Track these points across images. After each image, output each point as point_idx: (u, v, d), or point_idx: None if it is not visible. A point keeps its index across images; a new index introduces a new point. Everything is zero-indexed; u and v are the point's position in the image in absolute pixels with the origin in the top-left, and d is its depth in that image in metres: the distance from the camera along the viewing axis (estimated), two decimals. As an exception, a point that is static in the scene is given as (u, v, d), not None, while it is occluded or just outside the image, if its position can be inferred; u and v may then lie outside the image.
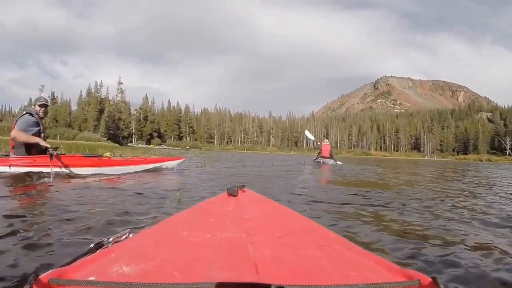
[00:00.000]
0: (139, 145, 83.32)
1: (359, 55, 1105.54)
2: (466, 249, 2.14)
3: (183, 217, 1.25)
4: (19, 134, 5.54)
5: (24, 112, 5.75)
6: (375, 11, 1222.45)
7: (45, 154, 5.69)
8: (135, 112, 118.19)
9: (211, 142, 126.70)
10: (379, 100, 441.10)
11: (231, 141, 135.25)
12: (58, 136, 68.78)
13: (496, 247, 2.21)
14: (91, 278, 0.64)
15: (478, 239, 2.45)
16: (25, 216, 2.48)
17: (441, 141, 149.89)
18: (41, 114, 5.95)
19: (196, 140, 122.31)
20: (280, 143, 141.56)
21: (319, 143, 18.77)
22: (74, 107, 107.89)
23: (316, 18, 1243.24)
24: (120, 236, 0.96)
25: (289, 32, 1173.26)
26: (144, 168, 6.98)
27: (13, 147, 5.70)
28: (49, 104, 6.24)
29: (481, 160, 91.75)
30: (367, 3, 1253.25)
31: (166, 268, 0.70)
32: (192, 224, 1.13)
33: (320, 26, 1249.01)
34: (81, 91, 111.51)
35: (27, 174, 5.34)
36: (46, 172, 5.31)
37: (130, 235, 0.97)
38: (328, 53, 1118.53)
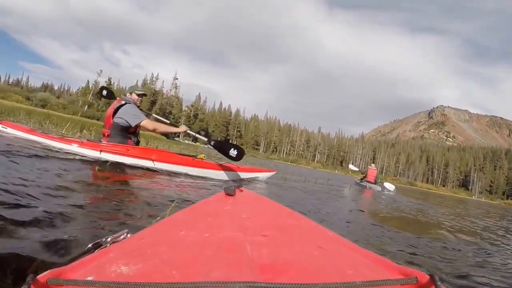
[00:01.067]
0: (185, 141, 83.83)
1: (417, 80, 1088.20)
2: None
3: (181, 217, 1.22)
4: (155, 125, 5.35)
5: (124, 102, 5.36)
6: (440, 37, 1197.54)
7: (139, 146, 5.57)
8: (186, 109, 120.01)
9: (257, 149, 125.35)
10: (432, 130, 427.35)
11: (276, 150, 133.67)
12: (107, 120, 69.50)
13: None
14: (89, 278, 0.64)
15: None
16: (87, 205, 2.42)
17: (491, 181, 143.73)
18: (138, 103, 5.57)
19: (242, 144, 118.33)
20: (325, 160, 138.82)
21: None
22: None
23: (378, 39, 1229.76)
24: (118, 236, 0.96)
25: (348, 50, 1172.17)
26: (237, 177, 6.38)
27: (108, 135, 5.36)
28: (146, 94, 5.85)
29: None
30: (433, 29, 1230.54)
31: (164, 268, 0.70)
32: (189, 223, 1.12)
33: (380, 47, 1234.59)
34: (137, 81, 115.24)
35: (117, 163, 5.07)
36: (137, 164, 5.19)
37: (128, 235, 0.97)
38: (386, 75, 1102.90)
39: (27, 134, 5.65)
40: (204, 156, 6.17)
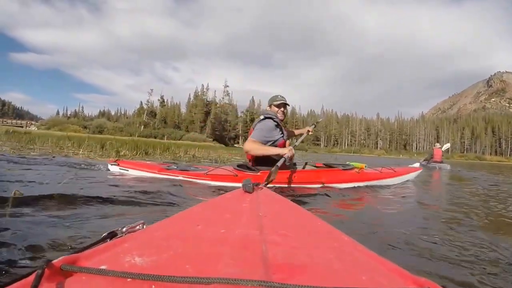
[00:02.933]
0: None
1: (470, 50, 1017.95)
2: None
3: (198, 211, 1.24)
4: (251, 146, 4.33)
5: (262, 117, 4.60)
6: (485, 1, 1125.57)
7: (296, 168, 4.71)
8: (241, 115, 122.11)
9: (317, 145, 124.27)
10: (493, 99, 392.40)
11: (337, 143, 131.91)
12: (165, 136, 71.72)
13: None
14: (103, 267, 0.65)
15: None
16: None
17: None
18: (279, 115, 4.74)
19: (302, 142, 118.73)
20: (388, 145, 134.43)
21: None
22: (184, 109, 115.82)
23: (422, 13, 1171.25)
24: (134, 227, 0.96)
25: (393, 31, 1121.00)
26: (397, 182, 5.74)
27: (251, 159, 4.65)
28: (288, 103, 4.93)
29: None
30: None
31: (178, 261, 0.70)
32: (206, 218, 1.12)
33: (426, 21, 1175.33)
34: (189, 95, 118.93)
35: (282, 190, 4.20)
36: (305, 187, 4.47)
37: (144, 226, 0.98)
38: (436, 50, 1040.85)
39: (159, 175, 4.73)
40: (365, 166, 5.43)
